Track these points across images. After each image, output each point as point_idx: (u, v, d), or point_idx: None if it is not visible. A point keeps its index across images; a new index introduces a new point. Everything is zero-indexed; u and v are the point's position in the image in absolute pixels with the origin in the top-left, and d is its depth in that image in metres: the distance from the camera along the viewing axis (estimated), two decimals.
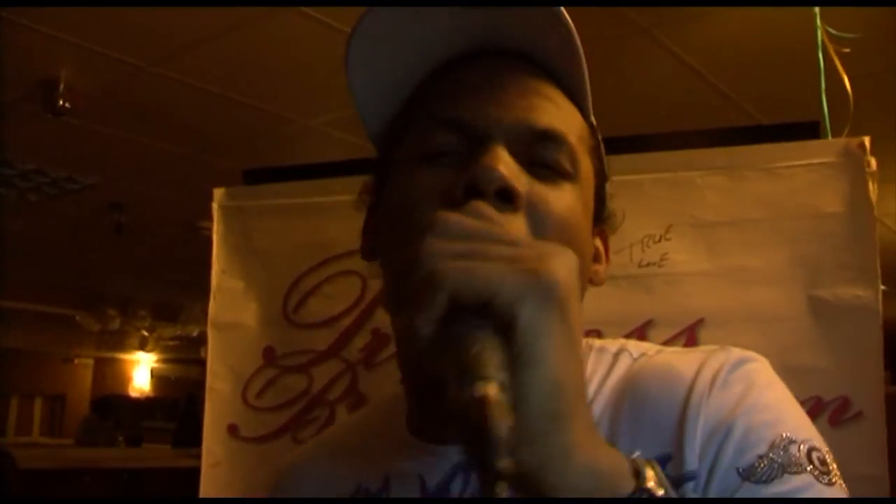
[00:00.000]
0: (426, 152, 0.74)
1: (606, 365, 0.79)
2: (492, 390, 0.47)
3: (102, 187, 5.16)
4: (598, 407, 0.75)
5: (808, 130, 1.63)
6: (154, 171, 4.83)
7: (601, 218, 0.84)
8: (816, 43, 1.80)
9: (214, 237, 1.92)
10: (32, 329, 10.28)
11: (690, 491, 0.66)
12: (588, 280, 0.82)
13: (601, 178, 0.83)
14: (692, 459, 0.67)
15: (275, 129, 4.04)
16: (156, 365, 12.32)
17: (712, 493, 0.65)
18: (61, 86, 3.57)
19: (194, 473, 1.85)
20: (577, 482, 0.52)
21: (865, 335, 1.52)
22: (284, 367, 1.83)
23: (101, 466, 6.37)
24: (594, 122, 0.82)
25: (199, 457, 1.87)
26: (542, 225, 0.70)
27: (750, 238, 1.60)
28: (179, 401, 9.63)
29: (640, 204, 1.65)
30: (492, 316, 0.51)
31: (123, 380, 12.37)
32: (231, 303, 1.89)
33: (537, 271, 0.52)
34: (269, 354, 1.85)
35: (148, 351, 11.27)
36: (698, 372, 0.72)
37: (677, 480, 0.66)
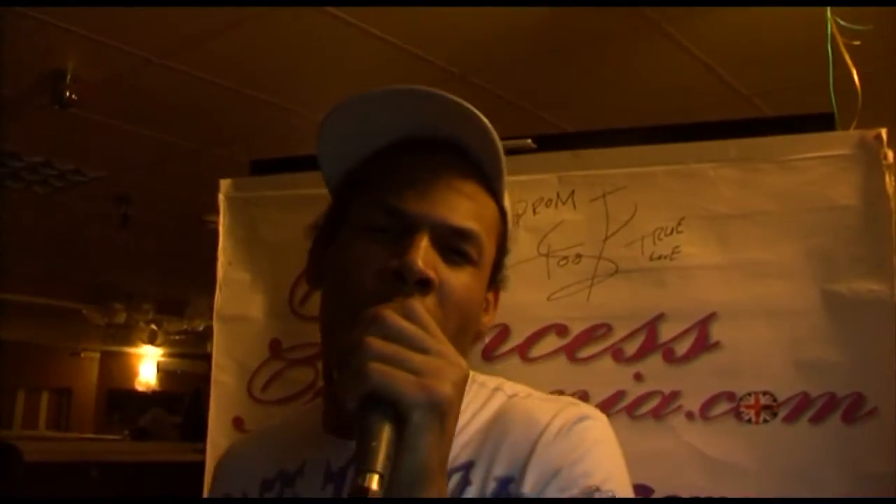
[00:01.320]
0: (369, 227, 0.98)
1: (483, 399, 1.03)
2: (373, 483, 0.70)
3: (109, 180, 5.14)
4: (471, 431, 0.99)
5: (823, 122, 1.61)
6: (161, 164, 4.82)
7: (495, 280, 1.09)
8: (826, 36, 1.77)
9: (220, 229, 1.91)
10: (39, 323, 10.28)
11: None
12: (476, 332, 1.06)
13: (501, 252, 1.08)
14: (529, 486, 0.92)
15: (283, 123, 4.02)
16: (162, 359, 12.32)
17: None
18: (68, 77, 3.55)
19: (200, 468, 1.83)
20: None
21: (880, 330, 1.49)
22: (291, 360, 1.82)
23: (107, 460, 6.36)
24: (506, 207, 1.07)
25: (204, 451, 1.86)
26: (446, 299, 0.95)
27: (763, 231, 1.57)
28: (185, 395, 9.63)
29: (652, 196, 1.63)
30: (395, 411, 0.75)
31: (130, 374, 12.38)
32: (237, 295, 1.88)
33: (432, 389, 0.76)
34: (275, 347, 1.83)
35: (156, 345, 11.27)
36: (549, 423, 0.95)
37: (515, 497, 0.92)
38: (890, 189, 1.50)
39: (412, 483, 0.76)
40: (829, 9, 1.80)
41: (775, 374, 1.53)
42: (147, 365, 12.35)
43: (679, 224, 1.61)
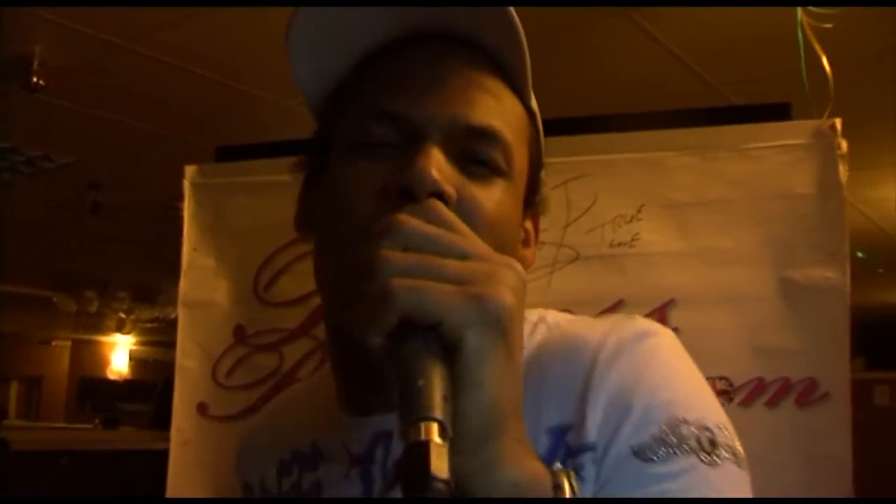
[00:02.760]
0: (362, 142, 0.75)
1: (525, 334, 0.80)
2: (433, 434, 0.50)
3: (79, 167, 5.10)
4: None
5: (780, 112, 1.63)
6: (131, 150, 4.79)
7: (532, 203, 0.85)
8: (796, 25, 1.79)
9: (185, 214, 1.91)
10: (8, 311, 10.19)
11: (588, 461, 0.69)
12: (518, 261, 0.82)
13: (536, 166, 0.84)
14: (592, 431, 0.70)
15: (253, 110, 4.01)
16: (134, 347, 12.27)
17: (606, 467, 0.68)
18: (35, 62, 3.52)
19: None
20: (500, 492, 0.57)
21: (834, 317, 1.53)
22: (255, 346, 1.82)
23: (78, 448, 6.34)
24: (534, 109, 0.83)
25: None
26: (470, 223, 0.68)
27: (721, 219, 1.60)
28: (157, 384, 9.60)
29: (613, 183, 1.65)
30: (439, 337, 0.54)
31: (101, 362, 12.31)
32: (202, 281, 1.88)
33: (484, 298, 0.56)
34: (239, 333, 1.84)
35: (125, 333, 11.20)
36: (601, 344, 0.74)
37: (576, 450, 0.70)
38: (843, 178, 1.53)
39: (483, 431, 0.56)
40: (799, 9, 1.82)
41: (732, 359, 1.55)
42: (119, 353, 12.29)
43: (639, 211, 1.63)
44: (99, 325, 10.90)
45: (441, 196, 0.69)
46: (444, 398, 0.52)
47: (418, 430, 0.50)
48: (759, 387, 1.53)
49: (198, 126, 4.27)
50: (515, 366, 0.58)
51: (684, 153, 1.63)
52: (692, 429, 0.69)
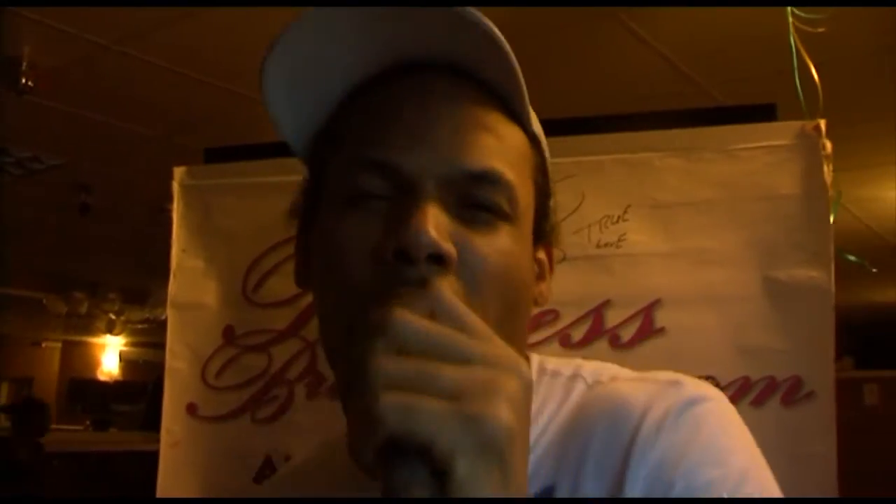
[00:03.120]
0: (352, 196, 0.69)
1: (559, 394, 0.76)
2: None
3: (68, 168, 5.09)
4: (546, 443, 0.73)
5: (765, 112, 1.65)
6: (120, 152, 4.78)
7: (543, 234, 0.80)
8: (787, 27, 1.80)
9: (175, 216, 1.91)
10: None
11: None
12: (532, 302, 0.79)
13: (544, 195, 0.79)
14: None
15: (243, 111, 4.00)
16: (124, 348, 12.25)
17: None
18: (24, 64, 3.52)
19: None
20: None
21: (818, 316, 1.54)
22: (244, 347, 1.83)
23: (69, 450, 6.33)
24: (537, 133, 0.78)
25: None
26: (476, 278, 0.67)
27: (707, 219, 1.61)
28: (147, 385, 9.58)
29: (600, 184, 1.66)
30: (429, 459, 0.50)
31: (92, 363, 12.29)
32: (191, 282, 1.89)
33: (479, 419, 0.51)
34: (228, 334, 1.84)
35: (115, 334, 11.18)
36: (645, 413, 0.69)
37: None
38: (828, 178, 1.55)
39: None
40: (789, 8, 1.84)
41: (718, 358, 1.57)
42: (109, 355, 12.27)
43: (625, 212, 1.64)
44: (89, 326, 10.87)
45: (440, 258, 0.64)
46: None
47: None
48: (744, 386, 1.54)
49: (188, 127, 4.27)
50: (516, 488, 0.53)
51: (670, 154, 1.64)
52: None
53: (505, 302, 0.69)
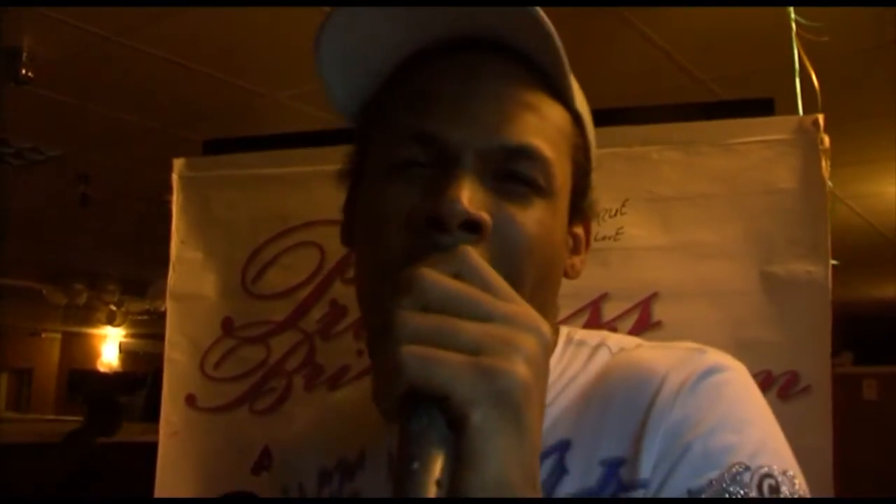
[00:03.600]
0: (394, 164, 0.73)
1: (583, 359, 0.80)
2: None
3: (68, 159, 5.10)
4: (566, 401, 0.76)
5: (763, 107, 1.65)
6: (120, 143, 4.78)
7: (582, 209, 0.83)
8: (789, 26, 1.81)
9: (174, 208, 1.91)
10: None
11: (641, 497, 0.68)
12: (563, 274, 0.83)
13: (583, 172, 0.82)
14: (647, 468, 0.69)
15: (243, 103, 4.01)
16: (124, 340, 12.26)
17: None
18: (24, 55, 3.52)
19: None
20: None
21: (815, 310, 1.54)
22: (243, 338, 1.83)
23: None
24: (579, 111, 0.80)
25: None
26: (509, 248, 0.70)
27: (705, 213, 1.61)
28: (147, 376, 9.60)
29: (597, 178, 1.64)
30: (446, 410, 0.53)
31: (91, 354, 12.31)
32: (190, 274, 1.89)
33: (496, 372, 0.53)
34: (227, 325, 1.85)
35: (116, 326, 11.20)
36: (666, 377, 0.72)
37: (629, 485, 0.69)
38: (826, 173, 1.55)
39: None
40: (791, 9, 1.84)
41: None
42: (109, 346, 12.29)
43: (623, 205, 1.64)
44: (89, 317, 10.89)
45: (473, 224, 0.67)
46: (438, 482, 0.51)
47: None
48: None
49: (188, 119, 4.27)
50: (530, 443, 0.55)
51: (668, 148, 1.64)
52: (753, 476, 0.67)
53: (537, 271, 0.72)
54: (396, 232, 0.70)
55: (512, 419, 0.54)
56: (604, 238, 1.63)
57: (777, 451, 0.71)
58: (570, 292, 1.63)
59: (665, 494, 0.67)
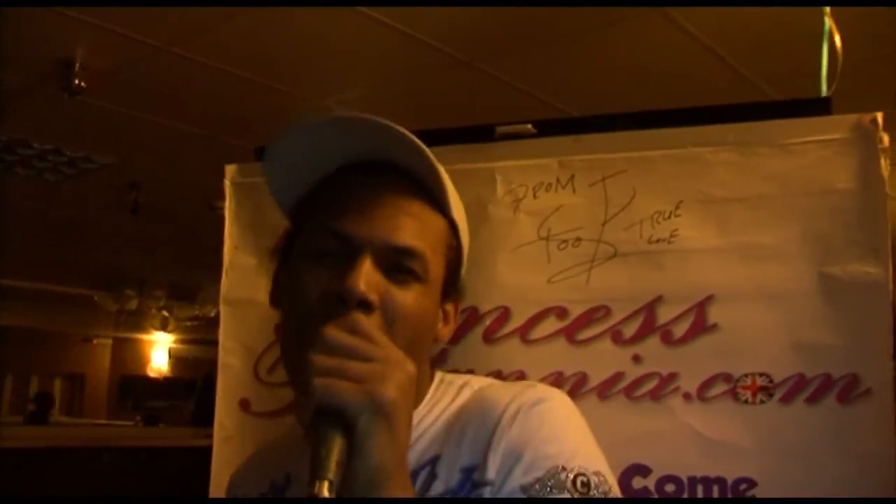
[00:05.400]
0: (315, 252, 1.02)
1: (450, 396, 1.10)
2: (323, 490, 0.76)
3: (119, 167, 5.17)
4: (437, 427, 1.06)
5: (820, 106, 1.62)
6: (171, 151, 4.85)
7: (452, 292, 1.12)
8: (822, 29, 1.79)
9: (227, 213, 1.93)
10: (51, 309, 10.36)
11: (486, 493, 0.96)
12: (433, 339, 1.11)
13: (455, 265, 1.11)
14: (492, 471, 0.97)
15: (290, 109, 4.04)
16: (174, 345, 12.39)
17: (500, 499, 0.95)
18: (77, 65, 3.58)
19: (210, 452, 1.86)
20: None
21: (875, 312, 1.51)
22: None
23: (119, 445, 6.43)
24: (455, 219, 1.10)
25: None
26: (392, 318, 0.98)
27: (761, 215, 1.59)
28: (197, 381, 9.68)
29: (651, 180, 1.65)
30: (343, 419, 0.81)
31: (142, 360, 12.46)
32: (243, 279, 1.90)
33: (374, 394, 0.82)
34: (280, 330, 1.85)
35: (169, 332, 11.33)
36: (507, 405, 1.01)
37: (479, 484, 0.97)
38: (885, 172, 1.52)
39: (369, 484, 0.81)
40: (827, 9, 1.81)
41: (772, 355, 1.54)
42: (159, 351, 12.42)
43: (677, 208, 1.62)
44: (139, 323, 11.03)
45: (366, 303, 0.95)
46: (338, 463, 0.79)
47: (314, 485, 0.77)
48: (799, 383, 1.52)
49: (237, 126, 4.32)
50: (399, 441, 0.84)
51: (722, 149, 1.62)
52: (569, 475, 0.95)
53: (412, 336, 1.00)
54: (314, 303, 0.98)
55: (385, 424, 0.82)
56: (658, 241, 1.62)
57: (588, 457, 0.99)
58: (624, 295, 1.63)
59: (505, 489, 0.95)
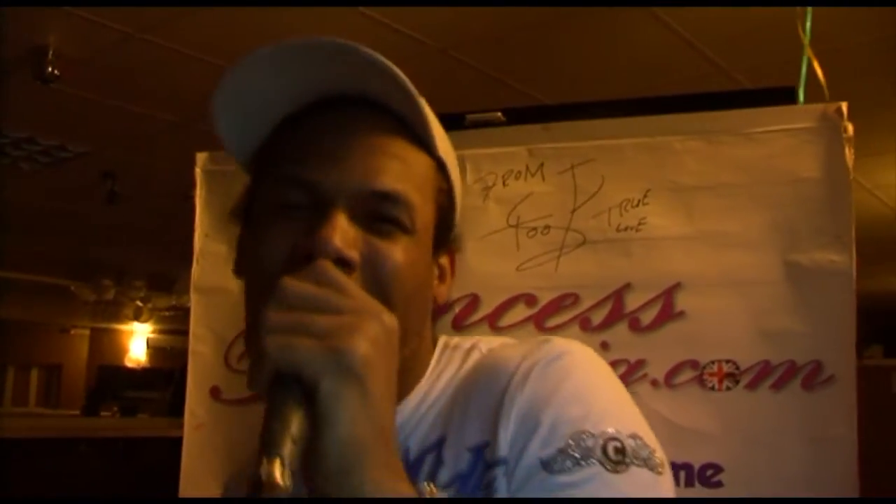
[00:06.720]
0: (278, 206, 0.83)
1: (458, 362, 0.92)
2: (274, 470, 0.59)
3: (94, 156, 5.14)
4: (442, 403, 0.88)
5: (785, 96, 1.63)
6: (146, 139, 4.82)
7: (445, 244, 0.94)
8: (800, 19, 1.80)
9: (197, 201, 1.93)
10: (28, 299, 10.28)
11: (500, 475, 0.77)
12: (431, 301, 0.93)
13: (446, 211, 0.92)
14: (504, 446, 0.78)
15: None
16: (152, 335, 12.34)
17: (516, 479, 0.76)
18: (50, 53, 3.55)
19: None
20: None
21: (839, 300, 1.53)
22: None
23: (97, 436, 6.40)
24: (442, 158, 0.91)
25: None
26: (378, 276, 0.81)
27: (728, 203, 1.60)
28: (174, 371, 9.65)
29: (619, 168, 1.66)
30: (302, 383, 0.64)
31: (120, 350, 12.39)
32: (214, 267, 1.90)
33: (339, 350, 0.65)
34: None
35: (142, 321, 11.27)
36: (518, 365, 0.82)
37: (491, 464, 0.79)
38: (849, 161, 1.53)
39: (342, 462, 0.64)
40: (809, 9, 1.82)
41: (738, 342, 1.56)
42: (137, 341, 12.36)
43: (645, 196, 1.64)
44: (117, 313, 10.97)
45: (344, 260, 0.77)
46: (293, 439, 0.61)
47: (261, 463, 0.59)
48: (764, 370, 1.54)
49: (210, 114, 4.28)
50: (375, 406, 0.66)
51: (690, 137, 1.64)
52: (598, 440, 0.75)
53: (404, 296, 0.82)
54: (280, 264, 0.79)
55: (356, 386, 0.65)
56: (626, 228, 1.63)
57: (622, 418, 0.79)
58: (593, 283, 1.64)
59: (521, 466, 0.76)
